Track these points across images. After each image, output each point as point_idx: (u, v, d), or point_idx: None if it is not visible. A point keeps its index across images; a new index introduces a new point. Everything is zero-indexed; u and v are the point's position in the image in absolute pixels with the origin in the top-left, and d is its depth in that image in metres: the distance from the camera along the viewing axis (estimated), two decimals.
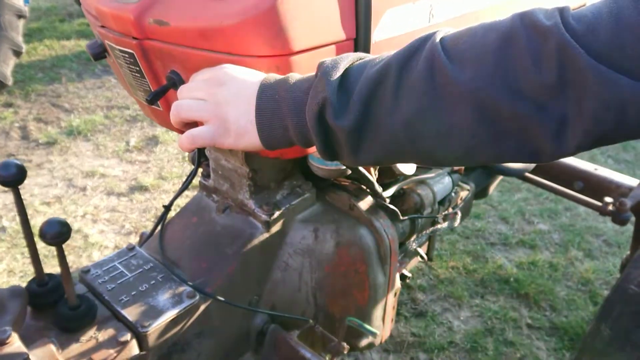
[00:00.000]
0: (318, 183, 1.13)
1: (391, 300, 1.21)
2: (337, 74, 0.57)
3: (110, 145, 3.14)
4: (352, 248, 1.08)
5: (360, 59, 0.61)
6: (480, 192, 1.81)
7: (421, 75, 0.53)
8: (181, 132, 0.69)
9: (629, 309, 1.33)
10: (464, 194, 1.48)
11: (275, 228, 1.05)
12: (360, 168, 0.98)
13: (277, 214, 1.03)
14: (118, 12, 0.75)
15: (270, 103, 0.62)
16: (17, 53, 3.41)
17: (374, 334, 1.01)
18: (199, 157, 1.13)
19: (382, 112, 0.56)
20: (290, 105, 0.60)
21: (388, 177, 1.15)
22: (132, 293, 0.94)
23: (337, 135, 0.58)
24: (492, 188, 1.87)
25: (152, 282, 0.97)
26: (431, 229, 1.33)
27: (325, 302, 1.11)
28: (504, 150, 0.54)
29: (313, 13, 0.70)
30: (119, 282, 0.97)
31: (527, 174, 1.66)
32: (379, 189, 1.04)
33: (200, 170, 1.21)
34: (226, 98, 0.64)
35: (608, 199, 1.49)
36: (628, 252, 1.80)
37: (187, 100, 0.66)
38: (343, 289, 1.11)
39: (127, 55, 0.80)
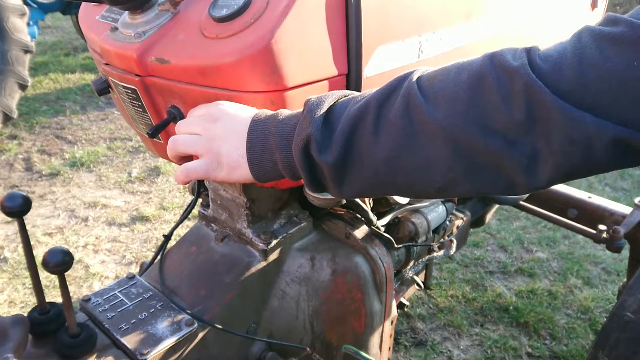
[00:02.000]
0: (314, 212, 1.16)
1: (388, 328, 1.22)
2: (321, 111, 0.61)
3: (112, 176, 3.18)
4: (348, 276, 1.10)
5: (345, 96, 0.64)
6: (477, 221, 1.83)
7: (399, 113, 0.57)
8: (179, 164, 0.73)
9: (625, 336, 1.33)
10: (459, 222, 1.50)
11: (272, 256, 1.07)
12: (357, 200, 1.01)
13: (274, 242, 1.06)
14: (122, 51, 0.79)
15: (260, 138, 0.65)
16: (23, 87, 3.48)
17: None
18: (199, 187, 1.16)
19: (363, 148, 0.59)
20: (278, 141, 0.63)
21: (383, 206, 1.18)
22: (132, 321, 0.96)
23: (321, 168, 0.61)
24: (489, 216, 1.90)
25: (152, 310, 0.99)
26: (427, 257, 1.35)
27: (322, 330, 1.12)
28: (480, 184, 0.57)
29: (306, 51, 0.74)
30: (119, 310, 0.99)
31: (522, 203, 1.68)
32: (373, 217, 1.07)
33: (200, 200, 1.24)
34: (219, 133, 0.67)
35: (602, 227, 1.51)
36: (625, 280, 1.81)
37: (183, 135, 0.70)
38: (340, 317, 1.12)
39: (129, 91, 0.84)
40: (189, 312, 0.98)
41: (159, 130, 0.78)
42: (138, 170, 3.26)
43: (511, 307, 2.18)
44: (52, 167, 3.22)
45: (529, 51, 0.53)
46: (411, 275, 1.32)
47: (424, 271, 1.54)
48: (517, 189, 0.56)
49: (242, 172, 0.67)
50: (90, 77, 4.77)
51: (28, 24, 3.83)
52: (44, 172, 3.18)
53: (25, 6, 3.42)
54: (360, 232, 1.13)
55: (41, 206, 2.85)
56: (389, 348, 1.28)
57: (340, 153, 0.59)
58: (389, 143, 0.57)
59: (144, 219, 2.75)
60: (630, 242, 1.60)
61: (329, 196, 1.05)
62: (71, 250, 2.47)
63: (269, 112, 0.67)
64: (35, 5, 4.33)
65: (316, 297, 1.10)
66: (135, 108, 0.87)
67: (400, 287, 1.54)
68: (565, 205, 1.69)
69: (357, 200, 1.01)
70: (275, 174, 0.66)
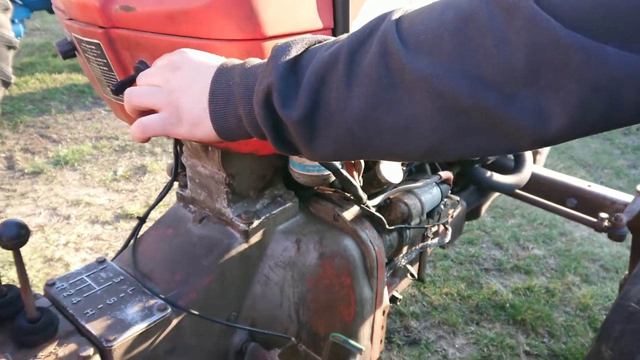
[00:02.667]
0: (301, 192, 1.08)
1: (379, 318, 1.14)
2: (288, 57, 0.52)
3: (97, 174, 3.09)
4: (337, 260, 1.03)
5: (319, 41, 0.55)
6: (472, 212, 1.76)
7: (373, 61, 0.47)
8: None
9: (630, 328, 1.26)
10: (454, 209, 1.43)
11: (254, 239, 0.99)
12: (344, 172, 0.94)
13: (256, 223, 0.98)
14: (84, 1, 0.71)
15: (225, 89, 0.56)
16: (6, 83, 3.39)
17: (359, 350, 0.94)
18: (176, 166, 1.08)
19: (333, 102, 0.50)
20: (242, 92, 0.55)
21: (374, 186, 1.11)
22: (99, 306, 0.88)
23: (286, 125, 0.53)
24: (485, 208, 1.83)
25: (121, 295, 0.91)
26: (421, 244, 1.27)
27: (308, 318, 1.04)
28: (473, 146, 0.47)
29: None
30: (85, 295, 0.90)
31: (519, 192, 1.61)
32: (363, 195, 0.99)
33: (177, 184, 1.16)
34: (180, 84, 0.59)
35: (603, 215, 1.44)
36: (626, 272, 1.74)
37: (141, 87, 0.62)
38: (327, 304, 1.04)
39: (93, 47, 0.77)
40: (162, 297, 0.90)
41: (124, 87, 0.70)
42: (124, 168, 3.17)
43: (507, 305, 2.10)
44: (35, 166, 3.12)
45: None
46: (404, 263, 1.24)
47: (418, 263, 1.46)
48: (519, 149, 0.47)
49: (205, 129, 0.58)
50: (77, 78, 4.68)
51: (13, 22, 3.76)
52: (26, 171, 3.09)
53: (8, 1, 3.34)
54: (350, 213, 1.06)
55: (22, 204, 2.75)
56: (381, 341, 1.20)
57: (306, 108, 0.50)
58: (362, 97, 0.48)
59: (128, 216, 2.66)
60: (633, 232, 1.53)
61: (315, 172, 0.98)
62: (51, 248, 2.39)
63: (237, 60, 0.59)
64: (20, 3, 4.25)
65: (302, 283, 1.02)
66: (101, 67, 0.80)
67: (392, 278, 1.46)
68: (563, 194, 1.62)
69: (346, 174, 0.94)
70: (241, 132, 0.58)
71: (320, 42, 0.56)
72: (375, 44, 0.48)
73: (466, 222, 2.46)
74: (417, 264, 1.46)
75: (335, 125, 0.51)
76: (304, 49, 0.54)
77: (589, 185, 1.61)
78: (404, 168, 1.22)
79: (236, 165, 0.95)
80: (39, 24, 6.63)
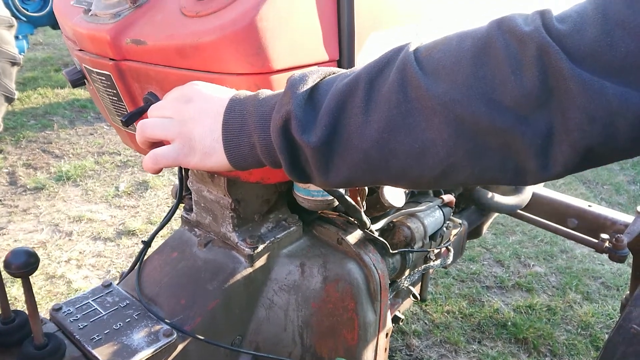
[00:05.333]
0: (305, 216, 1.09)
1: (383, 340, 1.15)
2: (305, 87, 0.54)
3: (99, 190, 3.10)
4: (341, 284, 1.03)
5: (333, 73, 0.58)
6: (474, 232, 1.77)
7: (393, 88, 0.50)
8: None
9: (632, 350, 1.27)
10: (456, 230, 1.44)
11: (259, 263, 1.00)
12: (348, 198, 0.95)
13: (261, 247, 0.99)
14: (95, 33, 0.73)
15: (238, 119, 0.58)
16: (9, 99, 3.41)
17: None
18: (181, 189, 1.10)
19: (352, 128, 0.52)
20: (256, 121, 0.56)
21: (377, 210, 1.12)
22: (105, 332, 0.88)
23: (304, 152, 0.54)
24: (486, 227, 1.84)
25: (127, 320, 0.91)
26: (423, 266, 1.28)
27: (312, 342, 1.05)
28: (484, 169, 0.50)
29: (294, 31, 0.69)
30: (92, 320, 0.91)
31: (520, 212, 1.62)
32: (367, 220, 1.00)
33: (183, 205, 1.17)
34: (192, 115, 0.60)
35: (604, 236, 1.45)
36: (627, 292, 1.74)
37: (153, 119, 0.63)
38: (331, 328, 1.05)
39: (104, 78, 0.78)
40: (167, 321, 0.90)
41: (134, 118, 0.72)
42: (126, 184, 3.18)
43: (509, 323, 2.10)
44: (37, 181, 3.14)
45: (543, 13, 0.46)
46: (407, 285, 1.25)
47: (420, 283, 1.47)
48: (527, 176, 0.49)
49: (218, 158, 0.60)
50: (80, 93, 4.71)
51: (17, 38, 3.79)
52: (28, 186, 3.10)
53: (13, 18, 3.37)
54: (353, 237, 1.07)
55: (24, 220, 2.76)
56: None
57: (325, 134, 0.52)
58: (381, 122, 0.50)
59: (130, 233, 2.67)
60: (634, 252, 1.54)
61: (320, 197, 0.99)
62: (53, 265, 2.39)
63: (249, 92, 0.61)
64: (24, 19, 4.28)
65: (306, 306, 1.03)
66: (110, 97, 0.81)
67: (395, 299, 1.47)
68: (564, 214, 1.63)
69: (350, 200, 0.95)
70: (254, 160, 0.59)
71: (334, 73, 0.58)
72: (394, 71, 0.50)
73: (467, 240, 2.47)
74: (419, 284, 1.47)
75: (353, 150, 0.53)
76: (320, 79, 0.56)
77: (589, 206, 1.62)
78: (407, 192, 1.23)
79: (242, 190, 0.96)
80: (42, 38, 6.68)
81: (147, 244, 1.10)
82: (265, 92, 0.59)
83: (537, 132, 0.45)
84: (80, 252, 2.50)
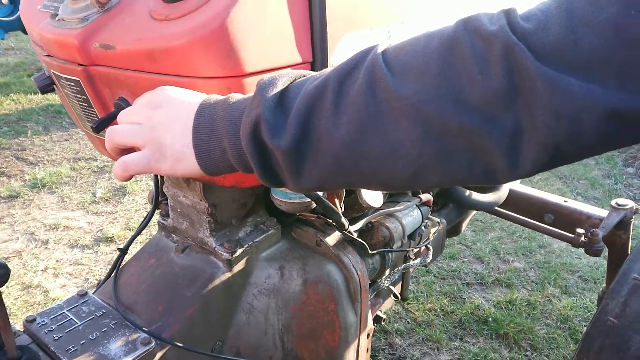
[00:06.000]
0: (283, 219, 1.09)
1: (364, 341, 1.15)
2: (275, 90, 0.53)
3: (75, 197, 3.05)
4: (320, 286, 1.03)
5: (303, 75, 0.57)
6: (453, 229, 1.78)
7: (361, 90, 0.49)
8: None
9: (609, 342, 1.29)
10: (435, 229, 1.44)
11: (238, 267, 0.99)
12: (325, 200, 0.94)
13: (239, 251, 0.98)
14: (62, 38, 0.72)
15: (208, 123, 0.57)
16: None
17: None
18: (157, 195, 1.08)
19: (322, 131, 0.51)
20: (227, 125, 0.56)
21: (355, 211, 1.12)
22: (81, 342, 0.87)
23: (274, 156, 0.54)
24: (464, 225, 1.85)
25: (104, 329, 0.90)
26: (403, 265, 1.28)
27: (293, 345, 1.04)
28: (454, 170, 0.49)
29: (266, 33, 0.68)
30: (67, 330, 0.89)
31: (498, 209, 1.64)
32: (345, 222, 1.00)
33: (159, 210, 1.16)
34: (162, 120, 0.59)
35: (580, 230, 1.47)
36: (604, 285, 1.77)
37: (122, 125, 0.62)
38: (312, 330, 1.05)
39: (73, 84, 0.77)
40: (145, 329, 0.89)
41: (104, 124, 0.70)
42: (103, 190, 3.14)
43: (490, 319, 2.12)
44: (11, 189, 3.07)
45: (508, 12, 0.46)
46: (387, 285, 1.25)
47: (401, 283, 1.47)
48: (497, 175, 0.49)
49: (188, 164, 0.59)
50: (54, 98, 4.63)
51: None
52: (2, 195, 3.03)
53: None
54: (332, 239, 1.06)
55: None
56: None
57: (295, 137, 0.52)
58: (350, 124, 0.50)
59: (108, 240, 2.63)
60: (608, 246, 1.56)
61: (297, 199, 0.98)
62: (30, 275, 2.35)
63: (219, 96, 0.60)
64: None
65: (286, 309, 1.03)
66: (80, 103, 0.79)
67: (376, 299, 1.47)
68: (541, 210, 1.65)
69: (327, 202, 0.94)
70: (225, 165, 0.58)
71: (304, 75, 0.58)
72: (363, 73, 0.50)
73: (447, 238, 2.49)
74: (400, 283, 1.47)
75: (323, 153, 0.52)
76: (289, 82, 0.56)
77: (565, 201, 1.64)
78: (385, 192, 1.23)
79: (218, 195, 0.95)
80: (14, 43, 6.55)
81: (123, 251, 1.08)
82: (235, 96, 0.58)
83: (505, 131, 0.45)
84: (57, 261, 2.46)
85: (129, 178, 0.62)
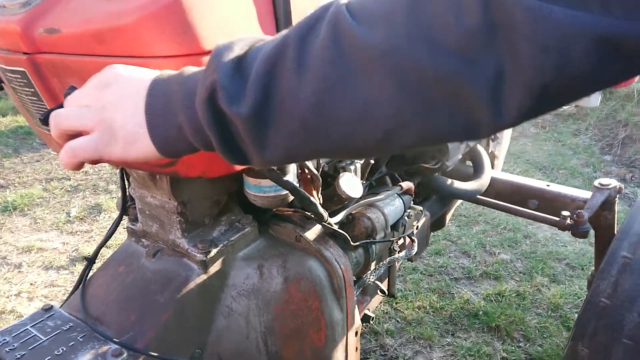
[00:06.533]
0: (259, 216, 1.03)
1: (352, 340, 1.09)
2: (231, 55, 0.48)
3: (49, 217, 2.95)
4: (302, 282, 0.98)
5: (262, 40, 0.52)
6: (437, 222, 1.75)
7: (325, 43, 0.44)
8: None
9: (603, 323, 1.25)
10: (418, 219, 1.40)
11: (213, 268, 0.94)
12: (302, 190, 0.89)
13: (214, 251, 0.92)
14: (3, 26, 0.66)
15: (162, 100, 0.52)
16: None
17: None
18: (124, 199, 1.02)
19: (285, 92, 0.46)
20: (182, 100, 0.50)
21: (334, 203, 1.07)
22: (46, 359, 0.80)
23: (235, 125, 0.48)
24: (449, 217, 1.82)
25: (71, 343, 0.83)
26: (388, 258, 1.24)
27: (278, 348, 0.99)
28: (434, 125, 0.45)
29: (225, 8, 0.64)
30: (30, 347, 0.82)
31: (481, 197, 1.60)
32: (324, 213, 0.95)
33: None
34: (112, 100, 0.53)
35: (565, 213, 1.44)
36: (593, 269, 1.75)
37: (68, 108, 0.57)
38: (296, 330, 0.99)
39: (19, 76, 0.71)
40: (116, 340, 0.83)
41: None
42: (78, 209, 3.04)
43: (481, 312, 2.09)
44: None
45: None
46: (373, 280, 1.20)
47: (387, 279, 1.43)
48: (481, 128, 0.44)
49: (142, 145, 0.53)
50: (23, 120, 4.52)
51: None
52: None
53: None
54: (312, 233, 1.02)
55: None
56: None
57: (256, 102, 0.46)
58: (316, 82, 0.45)
59: (84, 259, 2.53)
60: (595, 228, 1.54)
61: (272, 193, 0.93)
62: (2, 300, 2.25)
63: (172, 71, 0.55)
64: None
65: (268, 310, 0.97)
66: (29, 97, 0.74)
67: (363, 296, 1.42)
68: (524, 196, 1.62)
69: (304, 192, 0.89)
70: (184, 144, 0.53)
71: (262, 40, 0.52)
72: (326, 26, 0.45)
73: (432, 232, 2.45)
74: (387, 279, 1.42)
75: (288, 117, 0.47)
76: (247, 47, 0.51)
77: (547, 185, 1.62)
78: (364, 182, 1.19)
79: (187, 191, 0.90)
80: None
81: (90, 261, 1.02)
82: (190, 69, 0.53)
83: (486, 75, 0.41)
84: (31, 284, 2.36)
85: (79, 166, 0.56)
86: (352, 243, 1.03)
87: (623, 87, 3.97)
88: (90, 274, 1.01)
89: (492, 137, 1.70)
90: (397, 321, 2.08)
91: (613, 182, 1.49)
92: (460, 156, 1.45)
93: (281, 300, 0.97)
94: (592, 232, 1.51)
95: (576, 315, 2.06)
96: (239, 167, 0.76)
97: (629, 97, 4.14)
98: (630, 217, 1.33)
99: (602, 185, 1.49)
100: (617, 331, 1.24)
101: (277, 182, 0.86)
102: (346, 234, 1.01)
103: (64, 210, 3.04)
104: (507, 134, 1.89)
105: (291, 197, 0.96)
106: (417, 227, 1.38)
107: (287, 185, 0.86)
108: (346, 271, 1.01)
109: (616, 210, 1.52)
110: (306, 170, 0.90)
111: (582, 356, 1.29)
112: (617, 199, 1.49)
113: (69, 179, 3.42)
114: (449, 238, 2.63)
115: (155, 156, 0.54)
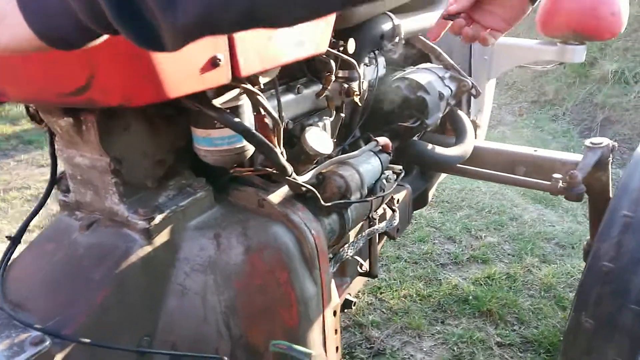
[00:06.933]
0: (216, 181, 0.89)
1: (331, 319, 0.95)
2: None
3: (7, 228, 2.75)
4: (267, 252, 0.84)
5: None
6: (419, 199, 1.62)
7: None
8: None
9: (607, 289, 1.13)
10: (400, 193, 1.28)
11: (160, 239, 0.79)
12: (258, 134, 0.75)
13: (159, 218, 0.78)
14: None
15: None
16: None
17: (308, 355, 0.75)
18: (54, 168, 0.88)
19: None
20: None
21: (302, 162, 0.93)
22: None
23: None
24: (431, 194, 1.70)
25: None
26: (367, 230, 1.10)
27: (242, 330, 0.84)
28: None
29: None
30: None
31: (464, 166, 1.48)
32: (287, 165, 0.81)
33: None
34: None
35: (557, 176, 1.33)
36: (588, 238, 1.64)
37: None
38: (264, 309, 0.85)
39: None
40: (37, 327, 0.68)
41: None
42: (38, 217, 2.83)
43: (470, 297, 1.96)
44: None
45: None
46: (351, 255, 1.07)
47: (368, 258, 1.29)
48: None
49: (14, 26, 0.40)
50: None
51: None
52: None
53: None
54: (277, 196, 0.88)
55: None
56: (337, 348, 1.01)
57: None
58: None
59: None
60: (588, 192, 1.42)
61: (224, 146, 0.79)
62: None
63: None
64: None
65: (228, 286, 0.82)
66: None
67: (342, 279, 1.28)
68: (511, 163, 1.51)
69: (261, 136, 0.75)
70: (68, 20, 0.39)
71: None
72: None
73: (414, 217, 2.33)
74: (368, 259, 1.29)
75: None
76: None
77: (535, 151, 1.51)
78: (334, 140, 1.06)
79: (120, 145, 0.75)
80: None
81: (14, 241, 0.87)
82: None
83: None
84: None
85: None
86: (323, 203, 0.89)
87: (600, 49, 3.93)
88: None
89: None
90: (383, 312, 1.94)
91: (605, 140, 1.38)
92: (440, 114, 1.33)
93: (243, 273, 0.83)
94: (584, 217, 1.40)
95: (570, 294, 1.95)
96: (168, 92, 0.61)
97: (604, 79, 4.10)
98: (629, 173, 1.21)
99: (593, 144, 1.38)
100: (623, 297, 1.12)
101: (227, 123, 0.72)
102: (315, 191, 0.87)
103: (23, 220, 2.85)
104: (488, 102, 1.78)
105: (249, 153, 0.82)
106: (399, 200, 1.25)
107: (239, 127, 0.72)
108: (318, 237, 0.87)
109: (610, 171, 1.41)
110: (262, 111, 0.76)
111: (586, 328, 1.17)
112: (610, 158, 1.38)
113: (29, 188, 3.22)
114: (433, 225, 2.50)
115: (32, 41, 0.39)
